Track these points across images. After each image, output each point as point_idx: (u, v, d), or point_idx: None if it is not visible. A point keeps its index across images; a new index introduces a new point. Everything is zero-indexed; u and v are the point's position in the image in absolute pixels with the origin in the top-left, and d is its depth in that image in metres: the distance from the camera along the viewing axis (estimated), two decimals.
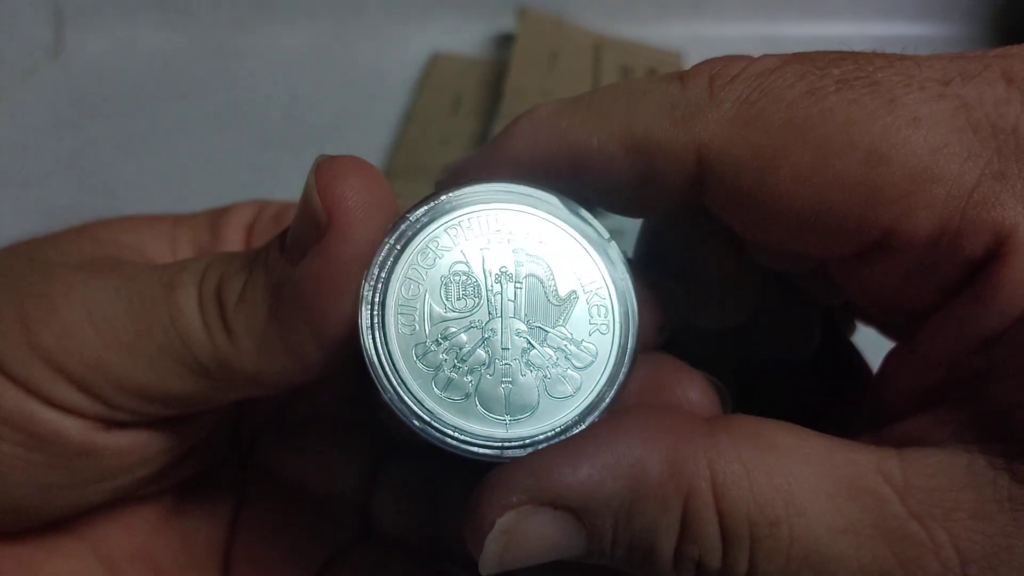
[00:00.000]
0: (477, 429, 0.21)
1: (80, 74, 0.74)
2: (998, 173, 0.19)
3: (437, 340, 0.22)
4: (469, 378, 0.22)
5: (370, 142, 0.66)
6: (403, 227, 0.22)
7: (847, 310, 0.30)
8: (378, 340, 0.21)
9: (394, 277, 0.22)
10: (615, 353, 0.22)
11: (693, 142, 0.21)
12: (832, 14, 0.77)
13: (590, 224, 0.23)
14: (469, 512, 0.21)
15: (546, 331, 0.22)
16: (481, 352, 0.22)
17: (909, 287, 0.21)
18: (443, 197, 0.22)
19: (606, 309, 0.22)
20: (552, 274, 0.22)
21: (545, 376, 0.22)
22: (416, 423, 0.21)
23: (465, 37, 0.75)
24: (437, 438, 0.21)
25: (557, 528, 0.20)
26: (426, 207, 0.22)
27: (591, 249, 0.23)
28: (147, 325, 0.22)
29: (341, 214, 0.20)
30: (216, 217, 0.29)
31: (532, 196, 0.23)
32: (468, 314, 0.22)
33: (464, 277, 0.22)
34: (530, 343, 0.22)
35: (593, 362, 0.22)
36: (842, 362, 0.31)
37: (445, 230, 0.22)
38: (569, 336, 0.22)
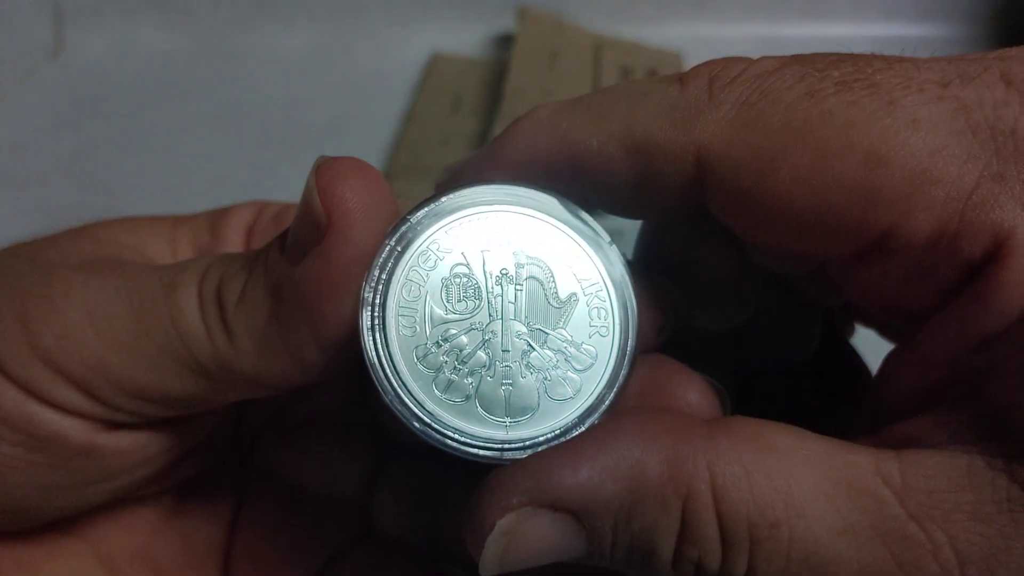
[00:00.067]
0: (477, 431, 0.21)
1: (80, 74, 0.74)
2: (997, 175, 0.19)
3: (438, 342, 0.22)
4: (469, 380, 0.22)
5: (370, 142, 0.66)
6: (404, 229, 0.22)
7: (846, 311, 0.30)
8: (378, 341, 0.21)
9: (395, 279, 0.22)
10: (615, 355, 0.22)
11: (693, 143, 0.21)
12: (832, 15, 0.77)
13: (590, 226, 0.23)
14: (469, 514, 0.21)
15: (546, 333, 0.22)
16: (481, 354, 0.22)
17: (908, 288, 0.21)
18: (443, 199, 0.22)
19: (606, 311, 0.22)
20: (552, 276, 0.22)
21: (545, 378, 0.22)
22: (416, 425, 0.21)
23: (465, 37, 0.76)
24: (437, 440, 0.21)
25: (557, 530, 0.20)
26: (427, 209, 0.22)
27: (591, 251, 0.23)
28: (147, 326, 0.22)
29: (341, 215, 0.20)
30: (216, 218, 0.29)
31: (532, 198, 0.23)
32: (468, 316, 0.22)
33: (465, 279, 0.22)
34: (530, 345, 0.22)
35: (593, 364, 0.22)
36: (841, 363, 0.31)
37: (446, 232, 0.22)
38: (569, 338, 0.22)
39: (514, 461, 0.21)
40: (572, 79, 0.67)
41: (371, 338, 0.21)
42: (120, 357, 0.22)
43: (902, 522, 0.19)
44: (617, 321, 0.22)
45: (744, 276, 0.26)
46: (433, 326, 0.22)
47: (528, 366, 0.22)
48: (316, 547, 0.29)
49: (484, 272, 0.22)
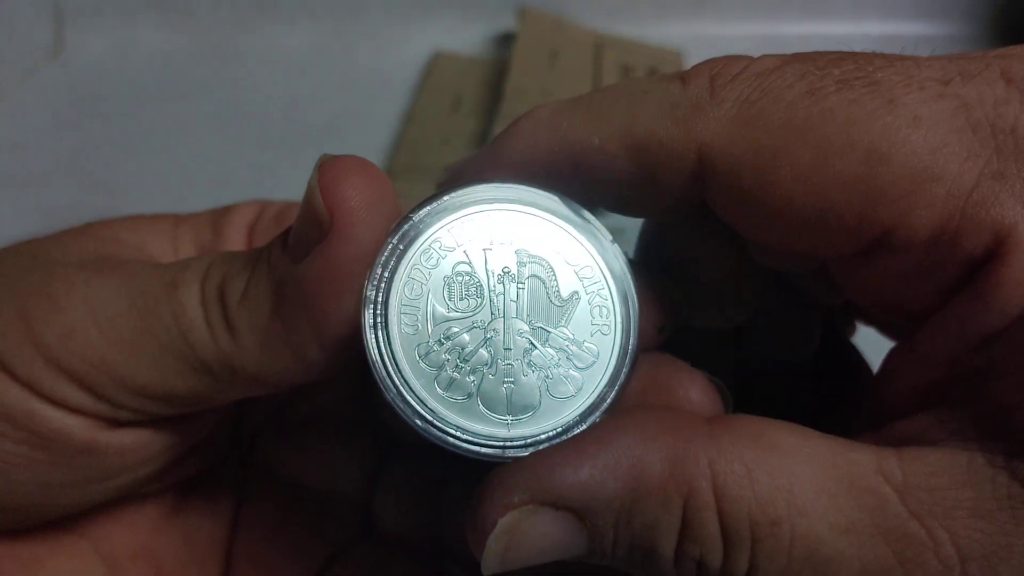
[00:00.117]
0: (479, 429, 0.22)
1: (80, 74, 0.74)
2: (997, 173, 0.19)
3: (440, 340, 0.22)
4: (471, 378, 0.22)
5: (370, 142, 0.66)
6: (406, 227, 0.22)
7: (847, 310, 0.30)
8: (381, 340, 0.21)
9: (397, 277, 0.22)
10: (616, 353, 0.22)
11: (694, 141, 0.21)
12: (832, 14, 0.77)
13: (591, 224, 0.23)
14: (471, 512, 0.21)
15: (548, 331, 0.22)
16: (483, 352, 0.22)
17: (909, 286, 0.21)
18: (445, 197, 0.22)
19: (607, 310, 0.22)
20: (554, 275, 0.22)
21: (547, 376, 0.22)
22: (418, 423, 0.21)
23: (465, 37, 0.76)
24: (439, 438, 0.21)
25: (559, 528, 0.20)
26: (429, 207, 0.22)
27: (592, 250, 0.23)
28: (149, 324, 0.22)
29: (343, 214, 0.21)
30: (218, 216, 0.29)
31: (534, 196, 0.23)
32: (471, 314, 0.22)
33: (467, 277, 0.22)
34: (532, 343, 0.22)
35: (594, 362, 0.22)
36: (842, 362, 0.31)
37: (448, 230, 0.22)
38: (571, 337, 0.22)
39: (516, 459, 0.21)
40: (572, 78, 0.67)
41: (373, 336, 0.21)
42: (123, 355, 0.22)
43: (903, 519, 0.19)
44: (618, 319, 0.22)
45: (745, 275, 0.26)
46: (435, 324, 0.22)
47: (530, 364, 0.22)
48: (317, 545, 0.29)
49: (486, 270, 0.22)
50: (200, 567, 0.29)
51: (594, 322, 0.22)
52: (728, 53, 0.22)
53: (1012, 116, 0.19)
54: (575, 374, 0.22)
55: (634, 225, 0.28)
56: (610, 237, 0.23)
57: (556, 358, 0.22)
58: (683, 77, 0.22)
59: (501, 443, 0.21)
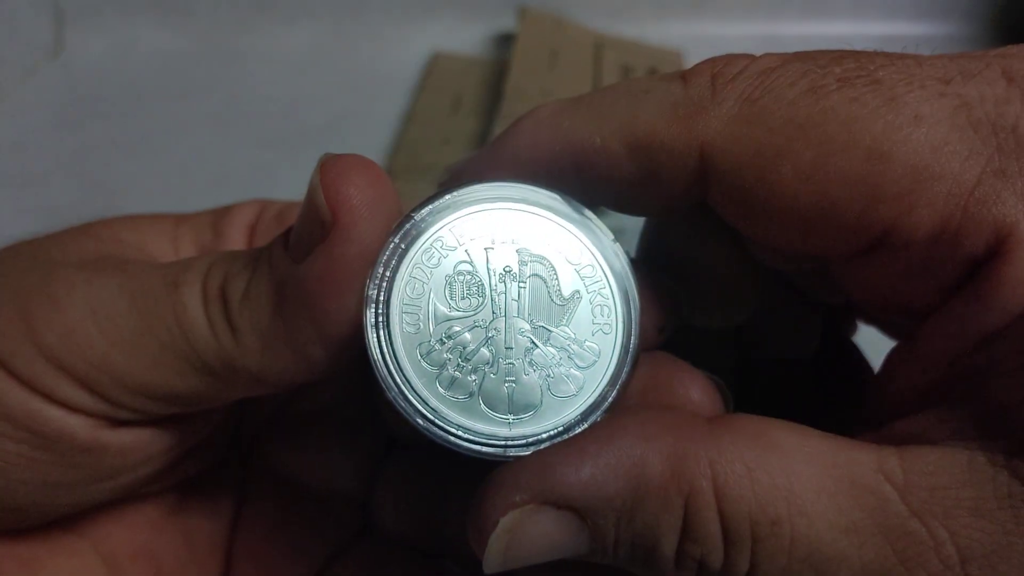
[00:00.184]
0: (481, 428, 0.22)
1: (80, 74, 0.74)
2: (998, 171, 0.19)
3: (441, 339, 0.22)
4: (473, 377, 0.22)
5: (370, 142, 0.66)
6: (407, 226, 0.22)
7: (848, 309, 0.30)
8: (382, 339, 0.21)
9: (398, 276, 0.22)
10: (617, 353, 0.22)
11: (695, 140, 0.21)
12: (832, 14, 0.77)
13: (593, 223, 0.23)
14: (473, 511, 0.21)
15: (549, 331, 0.22)
16: (485, 351, 0.22)
17: (910, 285, 0.21)
18: (447, 196, 0.22)
19: (609, 309, 0.22)
20: (555, 274, 0.22)
21: (548, 375, 0.22)
22: (420, 422, 0.21)
23: (465, 37, 0.76)
24: (440, 437, 0.21)
25: (560, 527, 0.20)
26: (430, 206, 0.22)
27: (594, 249, 0.23)
28: (151, 323, 0.22)
29: (345, 213, 0.21)
30: (218, 216, 0.29)
31: (535, 195, 0.23)
32: (472, 313, 0.22)
33: (468, 276, 0.22)
34: (533, 342, 0.22)
35: (596, 362, 0.22)
36: (843, 361, 0.31)
37: (449, 229, 0.22)
38: (572, 336, 0.22)
39: (517, 458, 0.21)
40: (572, 78, 0.67)
41: (375, 335, 0.21)
42: (124, 354, 0.22)
43: (904, 519, 0.19)
44: (620, 319, 0.22)
45: (746, 274, 0.26)
46: (437, 323, 0.22)
47: (531, 363, 0.22)
48: (317, 544, 0.29)
49: (488, 269, 0.22)
50: (200, 567, 0.29)
51: (595, 321, 0.22)
52: (728, 53, 0.22)
53: (1013, 115, 0.19)
54: (576, 373, 0.22)
55: (635, 225, 0.28)
56: (611, 236, 0.23)
57: (557, 357, 0.22)
58: (684, 76, 0.22)
59: (502, 442, 0.21)
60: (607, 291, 0.22)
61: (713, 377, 0.24)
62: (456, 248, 0.22)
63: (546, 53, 0.69)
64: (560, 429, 0.22)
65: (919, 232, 0.20)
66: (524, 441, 0.21)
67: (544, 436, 0.22)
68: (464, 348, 0.22)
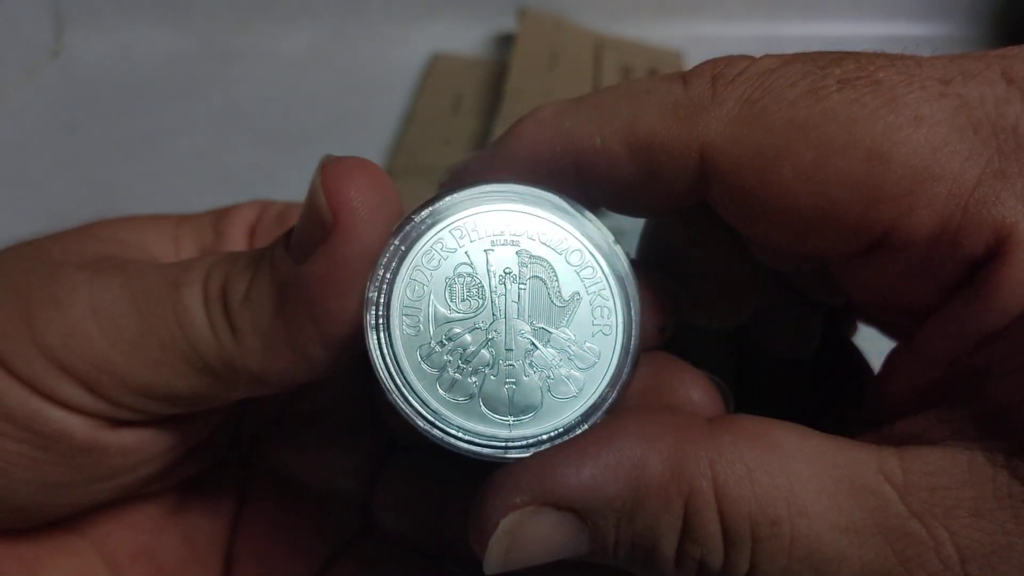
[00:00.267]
0: (481, 429, 0.22)
1: (80, 74, 0.74)
2: (998, 172, 0.19)
3: (441, 341, 0.22)
4: (473, 379, 0.22)
5: (370, 142, 0.66)
6: (408, 228, 0.22)
7: (848, 309, 0.30)
8: (382, 341, 0.21)
9: (399, 278, 0.22)
10: (618, 354, 0.22)
11: (696, 141, 0.21)
12: (832, 14, 0.77)
13: (593, 224, 0.23)
14: (473, 512, 0.21)
15: (549, 332, 0.22)
16: (485, 353, 0.22)
17: (909, 286, 0.21)
18: (447, 198, 0.22)
19: (609, 310, 0.22)
20: (555, 275, 0.22)
21: (548, 377, 0.22)
22: (420, 423, 0.21)
23: (465, 37, 0.76)
24: (441, 438, 0.21)
25: (560, 528, 0.20)
26: (431, 208, 0.22)
27: (594, 250, 0.23)
28: (152, 324, 0.22)
29: (346, 214, 0.21)
30: (219, 217, 0.29)
31: (535, 197, 0.23)
32: (472, 315, 0.22)
33: (468, 278, 0.22)
34: (534, 344, 0.22)
35: (596, 363, 0.22)
36: (843, 361, 0.31)
37: (449, 231, 0.22)
38: (572, 337, 0.22)
39: (517, 460, 0.21)
40: (572, 79, 0.67)
41: (375, 337, 0.21)
42: (125, 355, 0.22)
43: (904, 519, 0.19)
44: (620, 320, 0.22)
45: (746, 274, 0.26)
46: (437, 325, 0.22)
47: (531, 365, 0.22)
48: (318, 544, 0.29)
49: (488, 271, 0.22)
50: (201, 566, 0.29)
51: (595, 322, 0.22)
52: (728, 53, 0.22)
53: (1013, 115, 0.19)
54: (577, 374, 0.22)
55: (636, 225, 0.28)
56: (612, 237, 0.23)
57: (558, 359, 0.22)
58: (685, 77, 0.22)
59: (503, 444, 0.22)
60: (607, 292, 0.22)
61: (714, 377, 0.24)
62: (456, 250, 0.22)
63: (546, 54, 0.69)
64: (560, 430, 0.22)
65: (919, 233, 0.20)
66: (524, 442, 0.22)
67: (544, 437, 0.22)
68: (464, 350, 0.22)
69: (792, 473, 0.19)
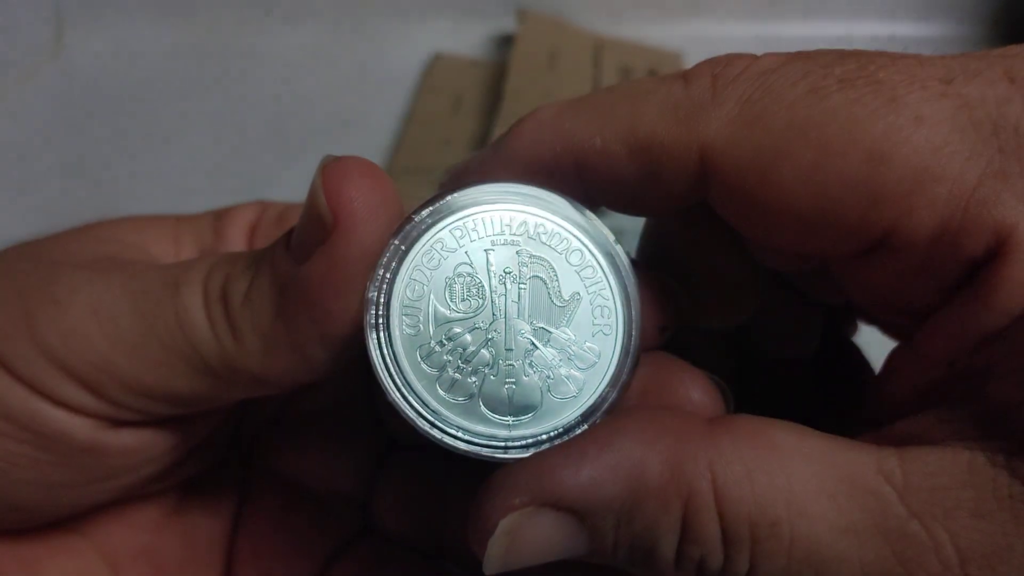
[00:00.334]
0: (481, 429, 0.22)
1: (80, 74, 0.74)
2: (999, 172, 0.19)
3: (441, 341, 0.22)
4: (473, 379, 0.22)
5: (370, 142, 0.66)
6: (408, 228, 0.22)
7: (848, 310, 0.30)
8: (382, 341, 0.21)
9: (399, 278, 0.22)
10: (618, 354, 0.22)
11: (696, 142, 0.21)
12: (832, 14, 0.77)
13: (593, 224, 0.23)
14: (472, 513, 0.21)
15: (549, 332, 0.22)
16: (485, 353, 0.22)
17: (910, 286, 0.21)
18: (448, 198, 0.22)
19: (609, 310, 0.22)
20: (556, 275, 0.22)
21: (548, 377, 0.22)
22: (420, 423, 0.21)
23: (465, 38, 0.75)
24: (440, 439, 0.21)
25: (559, 529, 0.20)
26: (431, 208, 0.22)
27: (594, 250, 0.23)
28: (152, 325, 0.22)
29: (347, 215, 0.21)
30: (219, 217, 0.29)
31: (536, 197, 0.23)
32: (472, 315, 0.22)
33: (468, 278, 0.22)
34: (533, 344, 0.22)
35: (596, 363, 0.22)
36: (843, 362, 0.31)
37: (449, 231, 0.22)
38: (572, 337, 0.22)
39: (517, 460, 0.21)
40: (572, 80, 0.67)
41: (375, 337, 0.21)
42: (125, 356, 0.22)
43: (903, 520, 0.19)
44: (620, 320, 0.22)
45: (747, 274, 0.26)
46: (437, 325, 0.22)
47: (531, 365, 0.22)
48: (318, 544, 0.29)
49: (488, 271, 0.22)
50: (201, 567, 0.29)
51: (596, 322, 0.22)
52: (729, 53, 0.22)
53: (1015, 115, 0.19)
54: (576, 374, 0.22)
55: (635, 225, 0.28)
56: (612, 237, 0.23)
57: (557, 358, 0.22)
58: (685, 76, 0.22)
59: (502, 444, 0.22)
60: (607, 292, 0.22)
61: (714, 377, 0.24)
62: (456, 249, 0.22)
63: (546, 54, 0.69)
64: (560, 430, 0.22)
65: (919, 234, 0.20)
66: (524, 443, 0.22)
67: (544, 438, 0.22)
68: (464, 350, 0.22)
69: (791, 474, 0.19)
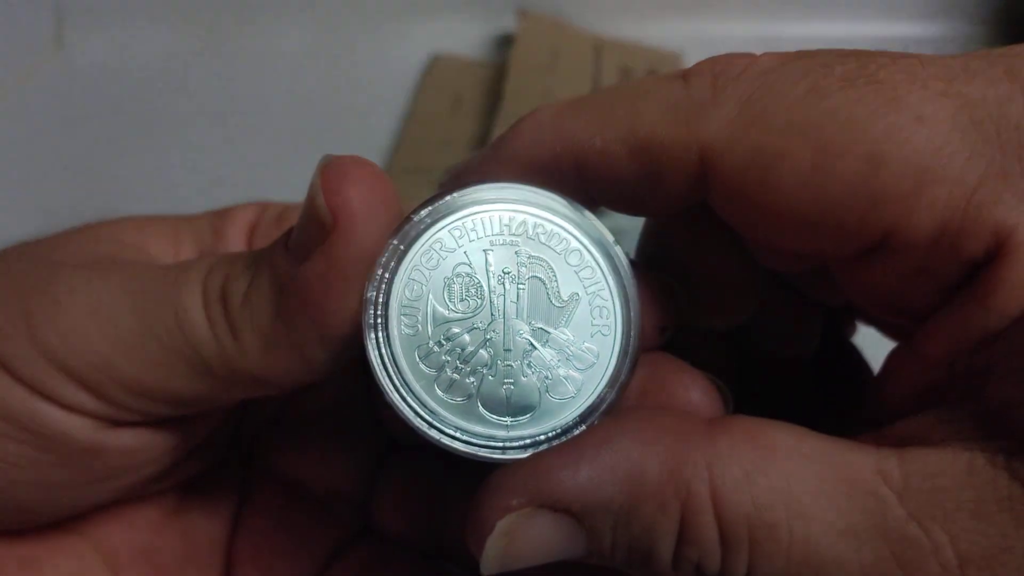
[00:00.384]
0: (479, 430, 0.22)
1: (80, 74, 0.74)
2: (1000, 171, 0.19)
3: (440, 341, 0.22)
4: (471, 379, 0.22)
5: (370, 142, 0.66)
6: (407, 228, 0.22)
7: (848, 310, 0.30)
8: (381, 341, 0.21)
9: (397, 278, 0.22)
10: (616, 355, 0.22)
11: (696, 142, 0.21)
12: (832, 14, 0.77)
13: (593, 225, 0.23)
14: (470, 514, 0.21)
15: (548, 332, 0.22)
16: (483, 353, 0.22)
17: (910, 287, 0.21)
18: (447, 198, 0.22)
19: (608, 310, 0.22)
20: (555, 275, 0.22)
21: (547, 377, 0.22)
22: (418, 424, 0.21)
23: (465, 38, 0.75)
24: (438, 439, 0.21)
25: (557, 530, 0.20)
26: (430, 208, 0.22)
27: (594, 250, 0.23)
28: (152, 325, 0.22)
29: (345, 215, 0.20)
30: (218, 217, 0.29)
31: (535, 197, 0.23)
32: (471, 315, 0.22)
33: (467, 278, 0.22)
34: (532, 344, 0.22)
35: (594, 364, 0.22)
36: (842, 362, 0.31)
37: (448, 231, 0.22)
38: (571, 338, 0.22)
39: (515, 460, 0.21)
40: (572, 80, 0.67)
41: (373, 337, 0.21)
42: (125, 356, 0.22)
43: (902, 522, 0.19)
44: (619, 320, 0.22)
45: (746, 275, 0.26)
46: (435, 325, 0.22)
47: (530, 365, 0.22)
48: (317, 545, 0.29)
49: (486, 271, 0.22)
50: (200, 567, 0.29)
51: (594, 323, 0.22)
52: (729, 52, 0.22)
53: (1016, 114, 0.19)
54: (575, 375, 0.22)
55: (635, 225, 0.28)
56: (611, 238, 0.23)
57: (556, 359, 0.22)
58: (685, 76, 0.22)
59: (500, 444, 0.21)
60: (606, 293, 0.22)
61: (713, 378, 0.24)
62: (455, 250, 0.22)
63: (545, 55, 0.69)
64: (558, 431, 0.22)
65: (919, 235, 0.20)
66: (522, 443, 0.21)
67: (542, 438, 0.22)
68: (462, 350, 0.22)
69: (790, 475, 0.19)
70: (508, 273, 0.22)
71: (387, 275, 0.22)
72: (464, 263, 0.22)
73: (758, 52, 0.22)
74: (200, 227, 0.28)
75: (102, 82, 0.73)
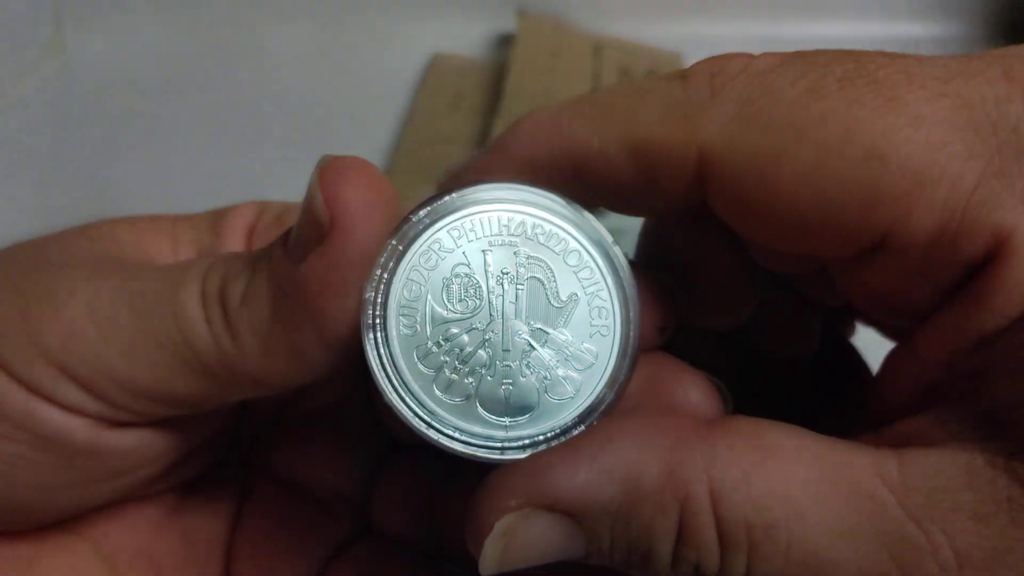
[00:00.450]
0: (477, 430, 0.22)
1: (80, 74, 0.74)
2: (999, 172, 0.19)
3: (438, 341, 0.22)
4: (470, 380, 0.22)
5: (370, 142, 0.66)
6: (405, 228, 0.22)
7: (847, 311, 0.30)
8: (379, 341, 0.21)
9: (396, 278, 0.22)
10: (615, 355, 0.22)
11: (694, 142, 0.21)
12: (832, 14, 0.77)
13: (592, 225, 0.23)
14: (469, 514, 0.21)
15: (547, 333, 0.22)
16: (482, 353, 0.22)
17: (908, 288, 0.21)
18: (446, 198, 0.22)
19: (607, 311, 0.22)
20: (553, 276, 0.22)
21: (545, 378, 0.22)
22: (417, 424, 0.21)
23: (465, 38, 0.75)
24: (437, 439, 0.21)
25: (555, 531, 0.20)
26: (428, 208, 0.22)
27: (593, 250, 0.23)
28: (150, 325, 0.22)
29: (344, 215, 0.20)
30: (217, 218, 0.29)
31: (534, 197, 0.23)
32: (469, 315, 0.22)
33: (466, 279, 0.22)
34: (531, 345, 0.22)
35: (593, 364, 0.22)
36: (842, 362, 0.31)
37: (447, 231, 0.22)
38: (570, 338, 0.22)
39: (513, 461, 0.21)
40: (572, 79, 0.67)
41: (372, 338, 0.21)
42: (124, 357, 0.22)
43: (901, 523, 0.19)
44: (618, 320, 0.22)
45: (745, 275, 0.26)
46: (434, 326, 0.22)
47: (528, 366, 0.22)
48: (317, 545, 0.29)
49: (485, 271, 0.22)
50: (200, 567, 0.29)
51: (593, 323, 0.22)
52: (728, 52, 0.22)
53: (1014, 115, 0.19)
54: (574, 375, 0.22)
55: (635, 225, 0.28)
56: (610, 238, 0.23)
57: (555, 359, 0.22)
58: (683, 76, 0.22)
59: (499, 445, 0.21)
60: (605, 293, 0.22)
61: (713, 378, 0.24)
62: (454, 250, 0.22)
63: (545, 54, 0.69)
64: (557, 432, 0.22)
65: (918, 235, 0.20)
66: (521, 444, 0.21)
67: (541, 439, 0.22)
68: (461, 350, 0.22)
69: (788, 477, 0.19)
70: (507, 273, 0.22)
71: (385, 275, 0.22)
72: (463, 263, 0.22)
73: (757, 52, 0.22)
74: (199, 227, 0.28)
75: (102, 82, 0.73)
